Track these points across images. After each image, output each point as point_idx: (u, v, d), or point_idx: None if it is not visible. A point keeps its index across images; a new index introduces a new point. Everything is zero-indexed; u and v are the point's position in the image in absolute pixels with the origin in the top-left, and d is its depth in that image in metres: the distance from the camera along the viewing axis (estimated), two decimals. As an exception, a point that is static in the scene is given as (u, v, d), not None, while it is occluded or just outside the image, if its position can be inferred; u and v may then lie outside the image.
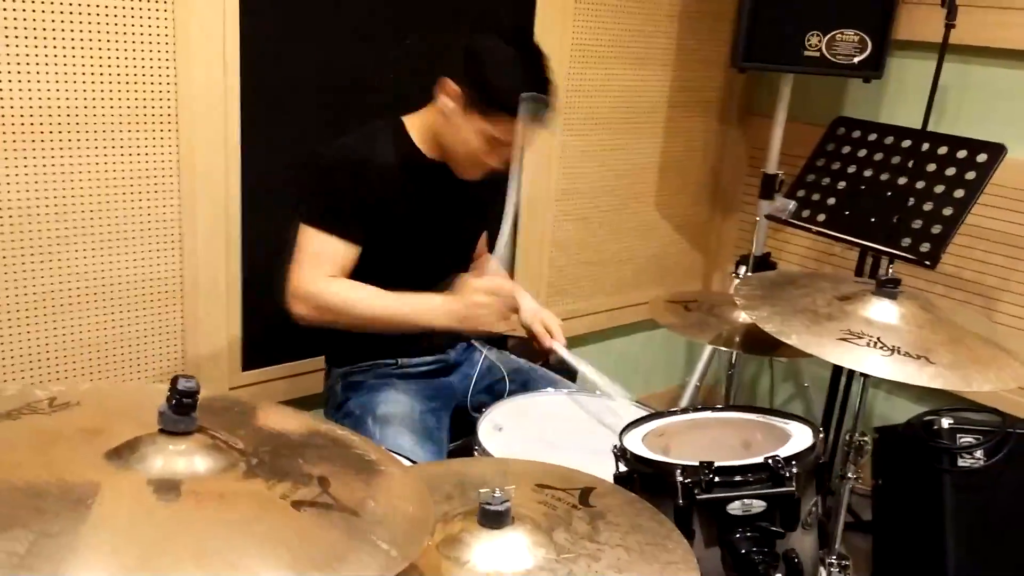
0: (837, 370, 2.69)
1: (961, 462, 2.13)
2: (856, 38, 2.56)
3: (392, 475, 1.07)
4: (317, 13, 2.17)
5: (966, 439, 2.14)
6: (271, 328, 2.29)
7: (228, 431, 1.02)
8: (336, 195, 1.85)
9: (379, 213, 1.87)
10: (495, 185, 1.95)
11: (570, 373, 2.25)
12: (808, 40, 2.57)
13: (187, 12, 1.96)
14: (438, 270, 1.99)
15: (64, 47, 1.84)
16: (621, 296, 3.12)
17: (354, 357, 2.04)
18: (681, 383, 3.53)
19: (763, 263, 2.89)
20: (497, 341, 2.32)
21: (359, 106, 2.25)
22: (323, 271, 1.83)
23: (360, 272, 1.92)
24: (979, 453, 2.13)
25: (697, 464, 1.25)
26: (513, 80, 1.79)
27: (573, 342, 2.98)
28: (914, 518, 2.23)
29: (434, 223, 1.98)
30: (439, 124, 1.88)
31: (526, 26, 2.51)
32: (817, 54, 2.58)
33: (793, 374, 3.16)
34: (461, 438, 2.01)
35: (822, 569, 1.37)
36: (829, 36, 2.56)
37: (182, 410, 0.94)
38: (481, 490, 1.11)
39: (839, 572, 1.47)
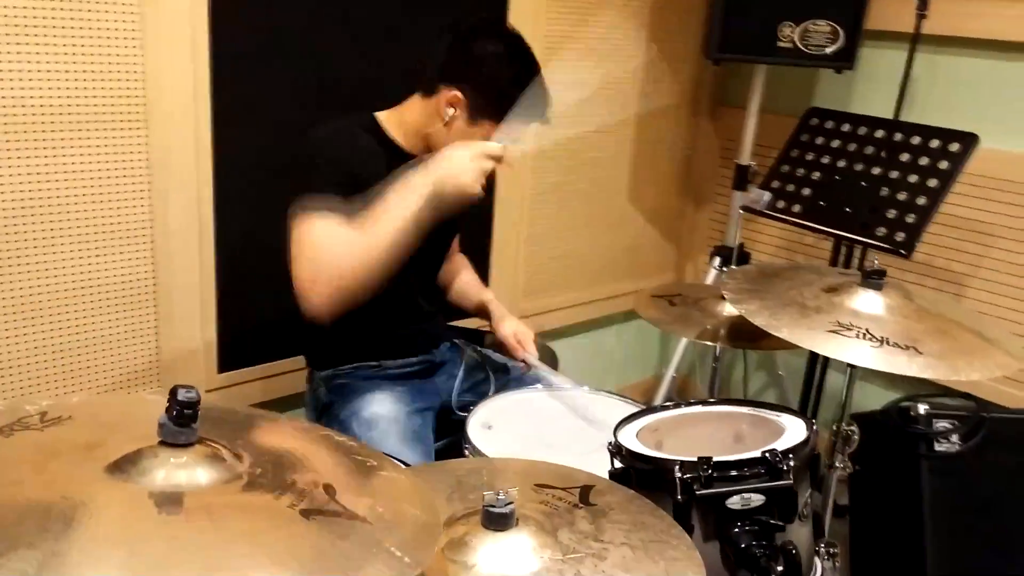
0: (813, 359, 2.72)
1: (938, 447, 2.16)
2: (828, 28, 2.58)
3: (395, 480, 1.06)
4: (287, 7, 2.14)
5: (942, 424, 2.16)
6: (247, 329, 2.27)
7: (227, 440, 1.00)
8: (330, 174, 1.73)
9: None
10: None
11: (554, 358, 2.27)
12: (781, 31, 2.59)
13: (154, 7, 1.92)
14: (421, 261, 1.95)
15: (25, 46, 1.79)
16: (595, 289, 3.12)
17: (335, 360, 2.01)
18: (655, 374, 3.55)
19: (739, 255, 2.91)
20: (474, 338, 2.31)
21: (333, 103, 2.22)
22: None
23: None
24: (955, 438, 2.16)
25: (695, 460, 1.25)
26: (522, 84, 1.79)
27: (549, 336, 3.00)
28: (892, 503, 2.26)
29: None
30: (437, 132, 1.83)
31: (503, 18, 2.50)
32: (790, 45, 2.60)
33: (767, 364, 3.19)
34: (445, 438, 1.99)
35: (817, 560, 1.38)
36: (802, 27, 2.58)
37: (183, 421, 0.92)
38: (485, 492, 1.10)
39: (829, 560, 1.48)
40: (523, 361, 2.05)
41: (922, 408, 2.16)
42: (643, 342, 3.48)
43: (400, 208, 1.67)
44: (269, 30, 2.12)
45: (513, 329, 2.08)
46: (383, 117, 1.91)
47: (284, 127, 2.15)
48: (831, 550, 1.56)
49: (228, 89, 2.07)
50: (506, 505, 1.09)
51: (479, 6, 2.50)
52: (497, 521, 1.09)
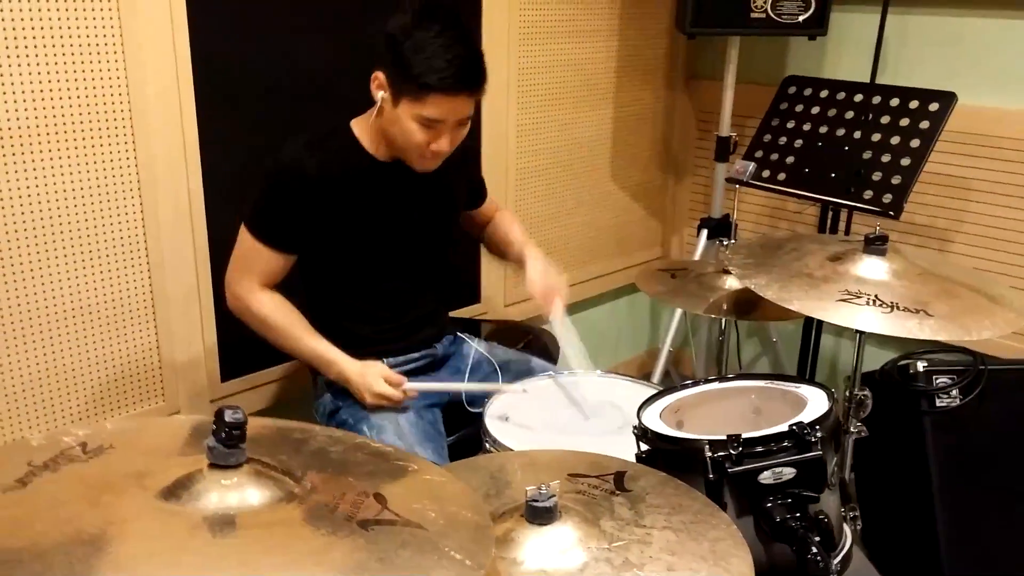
0: (808, 324, 2.76)
1: (939, 402, 2.20)
2: (800, -4, 2.60)
3: (439, 482, 1.06)
4: (266, 15, 2.11)
5: (942, 380, 2.20)
6: (247, 335, 2.24)
7: (270, 456, 1.00)
8: (271, 206, 1.85)
9: (325, 222, 1.85)
10: (459, 166, 1.95)
11: (552, 357, 2.27)
12: (753, 2, 2.60)
13: (133, 19, 1.88)
14: (417, 258, 2.00)
15: (6, 63, 1.76)
16: (585, 269, 3.13)
17: None
18: (648, 349, 3.58)
19: (724, 225, 2.93)
20: (471, 328, 2.31)
21: (316, 106, 2.20)
22: (251, 275, 1.88)
23: (339, 269, 1.93)
24: (955, 392, 2.20)
25: (724, 438, 1.27)
26: (432, 54, 1.72)
27: (542, 319, 3.00)
28: (896, 460, 2.30)
29: (398, 220, 1.95)
30: (382, 122, 1.84)
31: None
32: (763, 15, 2.61)
33: (761, 331, 3.22)
34: (457, 432, 2.00)
35: (845, 525, 1.40)
36: (773, -4, 2.59)
37: (232, 442, 0.92)
38: (527, 488, 1.10)
39: (850, 524, 1.51)
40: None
41: (921, 365, 2.20)
42: (635, 318, 3.51)
43: (311, 358, 1.94)
44: (249, 36, 2.09)
45: (541, 287, 2.05)
46: (356, 124, 1.91)
47: (269, 130, 2.13)
48: (851, 513, 1.60)
49: (212, 97, 2.05)
50: (549, 498, 1.10)
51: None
52: (541, 515, 1.10)
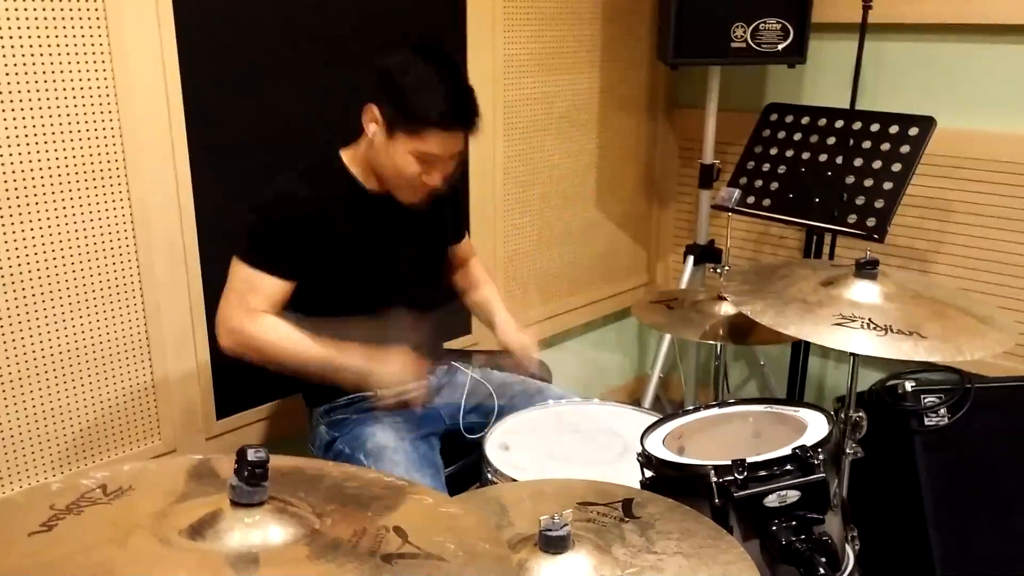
0: (795, 347, 2.79)
1: (928, 421, 2.24)
2: (778, 26, 2.66)
3: (455, 514, 1.08)
4: (255, 54, 2.13)
5: (930, 399, 2.24)
6: (242, 373, 2.24)
7: (289, 494, 1.01)
8: (269, 233, 1.85)
9: (320, 250, 1.86)
10: (447, 200, 1.98)
11: (548, 372, 2.30)
12: (733, 32, 2.65)
13: (125, 65, 1.90)
14: (409, 290, 2.00)
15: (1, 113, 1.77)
16: (574, 298, 3.16)
17: (330, 395, 2.01)
18: (638, 375, 3.60)
19: (709, 251, 2.98)
20: (464, 357, 2.33)
21: (306, 143, 2.22)
22: (252, 305, 1.84)
23: (331, 301, 1.93)
24: (943, 411, 2.24)
25: (729, 463, 1.29)
26: (431, 91, 1.78)
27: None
28: (888, 479, 2.33)
29: (390, 252, 1.97)
30: (372, 155, 1.87)
31: (438, 39, 2.51)
32: (743, 45, 2.67)
33: (747, 354, 3.26)
34: (456, 462, 2.01)
35: (847, 546, 1.43)
36: (753, 26, 2.65)
37: (254, 481, 0.93)
38: (541, 517, 1.12)
39: (850, 544, 1.53)
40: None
41: (909, 385, 2.24)
42: (623, 345, 3.54)
43: (327, 355, 1.84)
44: (239, 76, 2.11)
45: (518, 345, 2.11)
46: (346, 155, 1.94)
47: (261, 170, 2.15)
48: (851, 534, 1.62)
49: (204, 140, 2.06)
50: (563, 527, 1.12)
51: (436, 28, 2.51)
52: (556, 544, 1.11)
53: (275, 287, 1.85)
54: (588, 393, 2.02)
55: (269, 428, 2.34)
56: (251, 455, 0.93)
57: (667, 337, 2.93)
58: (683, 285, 2.95)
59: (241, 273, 1.85)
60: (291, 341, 1.84)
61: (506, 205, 2.83)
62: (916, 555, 2.24)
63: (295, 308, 1.95)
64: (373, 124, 1.82)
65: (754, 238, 3.18)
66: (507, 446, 1.76)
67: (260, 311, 1.84)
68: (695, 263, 2.97)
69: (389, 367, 1.86)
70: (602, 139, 3.11)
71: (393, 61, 1.82)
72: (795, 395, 2.81)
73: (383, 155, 1.84)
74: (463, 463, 1.98)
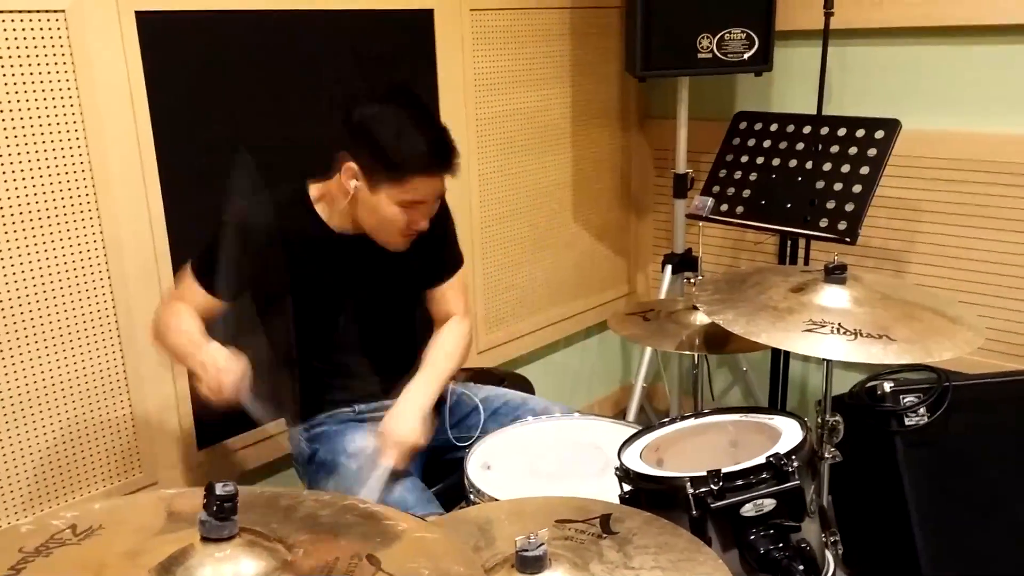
0: (776, 353, 2.81)
1: (908, 421, 2.24)
2: (743, 35, 2.68)
3: (429, 539, 1.07)
4: (224, 82, 2.14)
5: (909, 399, 2.25)
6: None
7: (262, 526, 1.01)
8: (210, 246, 1.85)
9: (275, 284, 1.87)
10: (427, 243, 1.94)
11: (530, 388, 2.29)
12: (699, 43, 2.68)
13: (91, 97, 1.91)
14: (375, 334, 2.00)
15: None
16: (553, 312, 3.17)
17: (310, 411, 2.02)
18: (622, 386, 3.61)
19: (687, 260, 2.99)
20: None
21: (277, 171, 2.21)
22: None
23: (304, 335, 1.93)
24: (922, 410, 2.25)
25: (704, 474, 1.30)
26: (410, 138, 1.77)
27: (515, 364, 3.04)
28: (871, 480, 2.34)
29: (353, 294, 1.96)
30: (353, 208, 1.85)
31: (405, 83, 2.49)
32: (710, 55, 2.69)
33: (730, 360, 3.27)
34: (441, 480, 2.00)
35: (827, 551, 1.43)
36: (718, 37, 2.68)
37: (223, 515, 0.93)
38: (516, 537, 1.12)
39: (831, 549, 1.54)
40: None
41: (888, 386, 2.25)
42: (606, 356, 3.54)
43: (178, 347, 1.84)
44: (208, 104, 2.12)
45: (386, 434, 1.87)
46: (313, 190, 1.92)
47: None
48: (832, 539, 1.63)
49: (176, 172, 2.07)
50: (538, 547, 1.12)
51: (405, 46, 2.52)
52: (532, 564, 1.11)
53: (205, 300, 1.87)
54: (573, 405, 2.02)
55: (252, 455, 2.33)
56: (219, 489, 0.92)
57: (648, 348, 2.94)
58: (662, 295, 2.96)
59: (185, 277, 1.89)
60: (176, 328, 1.83)
61: (483, 222, 2.84)
62: (901, 554, 2.25)
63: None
64: (353, 180, 1.81)
65: (731, 245, 3.20)
66: (488, 465, 1.76)
67: (179, 304, 1.87)
68: (673, 272, 2.98)
69: (207, 383, 1.77)
70: (577, 153, 3.13)
71: (365, 113, 1.81)
72: (777, 400, 2.82)
73: (367, 209, 1.83)
74: (448, 482, 1.98)
